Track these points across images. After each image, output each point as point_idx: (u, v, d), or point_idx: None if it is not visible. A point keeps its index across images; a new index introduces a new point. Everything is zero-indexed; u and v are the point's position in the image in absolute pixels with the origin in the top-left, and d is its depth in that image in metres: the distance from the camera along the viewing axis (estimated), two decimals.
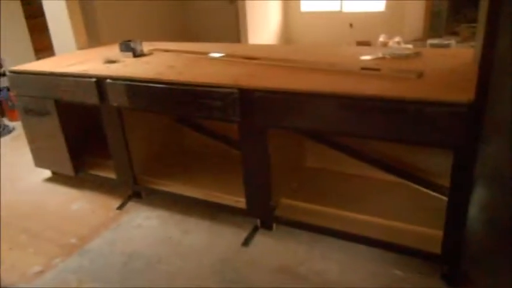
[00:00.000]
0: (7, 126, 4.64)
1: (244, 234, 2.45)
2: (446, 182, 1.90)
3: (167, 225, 2.62)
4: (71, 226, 2.68)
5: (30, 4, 5.16)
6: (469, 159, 1.68)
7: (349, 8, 8.00)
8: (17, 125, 4.50)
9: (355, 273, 2.10)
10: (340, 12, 8.08)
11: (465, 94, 1.65)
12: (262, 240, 2.41)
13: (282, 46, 6.61)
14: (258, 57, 2.60)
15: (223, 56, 2.75)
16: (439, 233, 1.94)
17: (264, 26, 7.61)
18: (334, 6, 8.09)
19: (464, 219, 1.79)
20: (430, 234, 2.04)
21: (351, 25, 7.96)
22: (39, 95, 2.90)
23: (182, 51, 3.02)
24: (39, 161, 3.24)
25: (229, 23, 6.47)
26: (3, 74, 5.00)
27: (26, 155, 3.42)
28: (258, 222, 2.50)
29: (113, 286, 2.14)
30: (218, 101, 2.17)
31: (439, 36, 7.27)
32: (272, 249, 2.33)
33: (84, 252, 2.41)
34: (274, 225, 2.46)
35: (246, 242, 2.39)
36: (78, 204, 2.94)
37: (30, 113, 3.03)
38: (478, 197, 1.68)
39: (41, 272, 2.27)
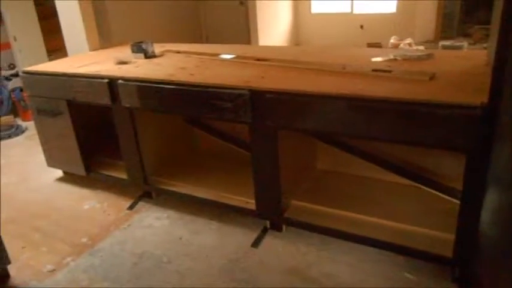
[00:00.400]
0: (20, 126, 4.71)
1: (253, 236, 2.45)
2: (458, 185, 1.89)
3: (177, 226, 2.63)
4: (82, 225, 2.71)
5: (43, 5, 5.22)
6: (482, 162, 1.66)
7: (360, 9, 7.97)
8: (30, 125, 4.56)
9: (365, 276, 2.09)
10: (350, 14, 8.05)
11: (478, 96, 1.64)
12: (271, 241, 2.41)
13: (292, 48, 6.61)
14: (268, 59, 2.61)
15: (234, 58, 2.76)
16: (450, 236, 1.92)
17: (274, 27, 7.62)
18: (344, 8, 8.07)
19: (477, 222, 1.77)
20: (441, 238, 2.02)
21: (361, 27, 7.93)
22: (52, 96, 2.94)
23: (193, 52, 3.04)
24: (52, 160, 3.28)
25: (240, 25, 6.49)
26: (16, 75, 5.08)
27: (38, 154, 3.47)
28: (268, 223, 2.50)
29: (123, 285, 2.16)
30: (229, 103, 2.18)
31: (451, 38, 7.21)
32: (282, 250, 2.32)
33: (95, 252, 2.43)
34: (284, 227, 2.46)
35: (256, 243, 2.39)
36: (90, 204, 2.97)
37: (43, 113, 3.07)
38: (491, 200, 1.66)
39: (53, 271, 2.30)
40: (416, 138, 1.80)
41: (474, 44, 6.78)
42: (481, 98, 1.62)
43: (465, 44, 6.30)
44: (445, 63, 2.30)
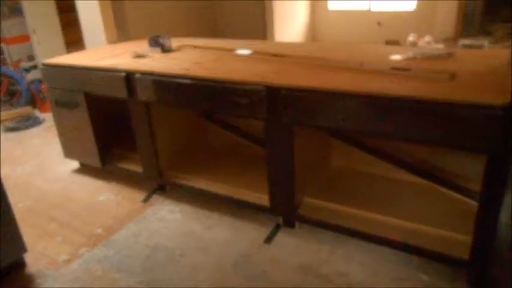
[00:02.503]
0: (38, 117, 4.78)
1: (266, 232, 2.45)
2: (476, 186, 1.85)
3: (190, 220, 2.64)
4: (97, 217, 2.74)
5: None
6: (503, 163, 1.63)
7: (378, 6, 7.86)
8: (48, 117, 4.63)
9: (379, 276, 2.07)
10: (368, 11, 7.95)
11: (500, 96, 1.60)
12: (284, 238, 2.40)
13: (309, 44, 6.56)
14: (285, 55, 2.59)
15: (250, 53, 2.75)
16: (467, 238, 1.89)
17: (290, 23, 7.56)
18: (362, 5, 7.97)
19: (495, 224, 1.74)
20: (457, 239, 1.99)
21: (379, 24, 7.82)
22: (70, 88, 2.97)
23: (209, 47, 3.03)
24: (69, 152, 3.32)
25: (256, 20, 6.46)
26: (35, 67, 5.15)
27: (55, 145, 3.52)
28: (281, 220, 2.49)
29: (137, 277, 2.18)
30: (245, 98, 2.17)
31: (472, 36, 7.06)
32: (294, 247, 2.32)
33: (109, 243, 2.46)
34: (297, 224, 2.45)
35: (268, 240, 2.39)
36: (105, 196, 3.00)
37: (61, 105, 3.11)
38: (510, 202, 1.63)
39: (68, 261, 2.34)
40: (435, 138, 1.77)
41: (495, 42, 6.62)
42: (502, 98, 1.58)
43: (486, 42, 6.16)
44: (465, 62, 2.26)
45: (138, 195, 2.96)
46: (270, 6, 6.49)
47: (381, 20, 7.81)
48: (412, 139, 1.95)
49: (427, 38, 6.17)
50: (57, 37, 5.23)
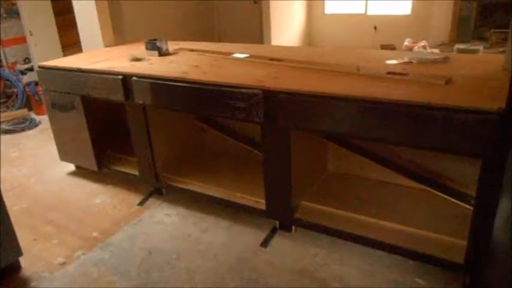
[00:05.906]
0: (34, 120, 4.76)
1: (263, 235, 2.45)
2: (471, 191, 1.87)
3: (187, 223, 2.64)
4: (93, 220, 2.73)
5: (59, 1, 5.27)
6: (498, 168, 1.64)
7: (374, 11, 7.91)
8: (44, 119, 4.61)
9: (375, 280, 2.08)
10: (364, 15, 8.00)
11: (495, 102, 1.62)
12: (281, 241, 2.40)
13: (306, 48, 6.59)
14: (282, 59, 2.60)
15: (247, 57, 2.76)
16: (462, 242, 1.90)
17: (287, 27, 7.60)
18: (358, 9, 8.02)
19: (490, 229, 1.75)
20: (453, 243, 2.00)
21: (375, 28, 7.87)
22: (66, 91, 2.97)
23: (207, 51, 3.04)
24: (64, 154, 3.31)
25: (253, 24, 6.49)
26: (31, 69, 5.14)
27: (51, 148, 3.51)
28: (277, 223, 2.49)
29: (133, 280, 2.17)
30: (242, 102, 2.18)
31: (467, 41, 7.11)
32: (291, 251, 2.32)
33: (105, 246, 2.45)
34: (293, 228, 2.46)
35: (265, 243, 2.39)
36: (101, 199, 3.00)
37: (57, 108, 3.10)
38: (505, 207, 1.64)
39: (64, 264, 2.33)
40: (430, 142, 1.78)
41: (490, 47, 6.68)
42: (498, 103, 1.60)
43: (481, 47, 6.22)
44: (461, 67, 2.28)
45: (135, 198, 2.95)
46: (267, 10, 6.52)
47: (376, 24, 7.86)
48: (408, 144, 1.97)
49: (423, 43, 6.21)
50: (54, 39, 5.21)
